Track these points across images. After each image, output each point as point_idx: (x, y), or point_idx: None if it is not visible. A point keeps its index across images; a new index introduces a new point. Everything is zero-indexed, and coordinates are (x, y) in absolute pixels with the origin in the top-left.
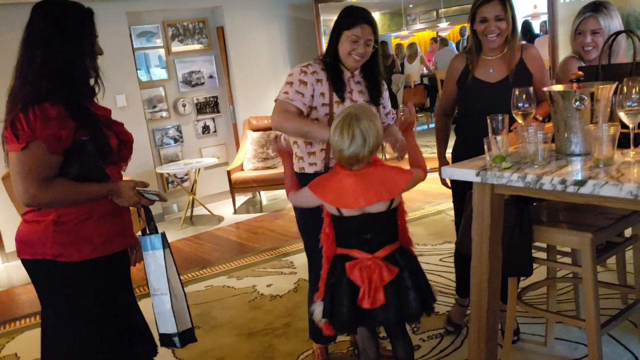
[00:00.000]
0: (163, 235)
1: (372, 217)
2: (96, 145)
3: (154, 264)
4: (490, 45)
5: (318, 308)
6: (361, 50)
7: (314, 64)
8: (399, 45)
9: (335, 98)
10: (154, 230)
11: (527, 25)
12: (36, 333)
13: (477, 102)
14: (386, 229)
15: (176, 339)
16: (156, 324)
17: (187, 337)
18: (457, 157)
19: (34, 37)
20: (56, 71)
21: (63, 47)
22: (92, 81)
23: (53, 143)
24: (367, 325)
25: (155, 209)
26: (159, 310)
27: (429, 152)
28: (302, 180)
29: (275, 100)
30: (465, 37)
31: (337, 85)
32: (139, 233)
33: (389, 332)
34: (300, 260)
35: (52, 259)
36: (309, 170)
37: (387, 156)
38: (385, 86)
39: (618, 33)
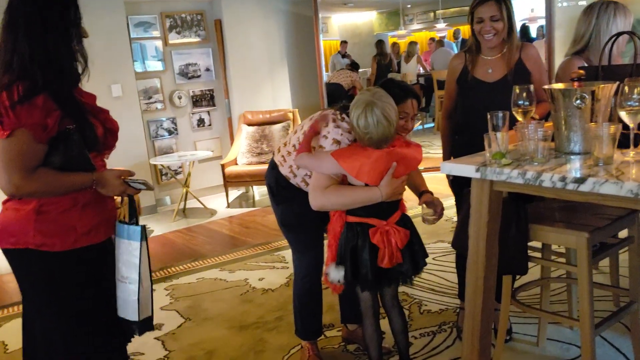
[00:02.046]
0: (143, 229)
1: None
2: (82, 134)
3: (127, 254)
4: (487, 45)
5: (334, 271)
6: (409, 126)
7: (343, 126)
8: (395, 45)
9: None
10: (135, 222)
11: (524, 29)
12: None
13: (476, 101)
14: (397, 198)
15: (135, 327)
16: (117, 306)
17: (145, 325)
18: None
19: (17, 22)
20: (41, 57)
21: (48, 32)
22: (79, 66)
23: (39, 131)
24: (387, 282)
25: (148, 200)
26: (123, 296)
27: (423, 152)
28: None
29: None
30: (459, 40)
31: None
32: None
33: (386, 305)
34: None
35: (35, 249)
36: (301, 171)
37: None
38: None
39: (619, 34)
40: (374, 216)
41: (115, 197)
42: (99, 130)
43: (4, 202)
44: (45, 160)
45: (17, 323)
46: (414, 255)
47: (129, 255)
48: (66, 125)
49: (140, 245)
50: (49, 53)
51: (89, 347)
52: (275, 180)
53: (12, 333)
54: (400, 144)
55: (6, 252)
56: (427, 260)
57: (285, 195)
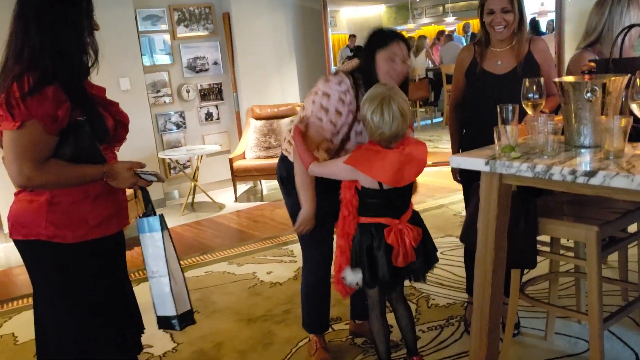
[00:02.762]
0: (161, 217)
1: (404, 188)
2: (93, 126)
3: (152, 246)
4: (498, 37)
5: (350, 274)
6: (400, 69)
7: (346, 81)
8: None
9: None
10: (152, 212)
11: (534, 23)
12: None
13: (485, 94)
14: (408, 196)
15: (175, 322)
16: (154, 306)
17: (185, 319)
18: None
19: (28, 13)
20: (52, 48)
21: (58, 23)
22: (89, 59)
23: (49, 123)
24: (401, 280)
25: (157, 194)
26: (157, 293)
27: (431, 147)
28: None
29: (302, 119)
30: (469, 33)
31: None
32: (137, 217)
33: (391, 300)
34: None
35: (46, 240)
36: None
37: None
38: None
39: (631, 27)
40: (387, 215)
41: (127, 190)
42: (109, 123)
43: (17, 194)
44: (56, 152)
45: (27, 315)
46: (427, 252)
47: (154, 248)
48: (76, 117)
49: (162, 235)
50: (60, 44)
51: (101, 339)
52: (286, 170)
53: (21, 325)
54: (409, 141)
55: (18, 244)
56: (436, 255)
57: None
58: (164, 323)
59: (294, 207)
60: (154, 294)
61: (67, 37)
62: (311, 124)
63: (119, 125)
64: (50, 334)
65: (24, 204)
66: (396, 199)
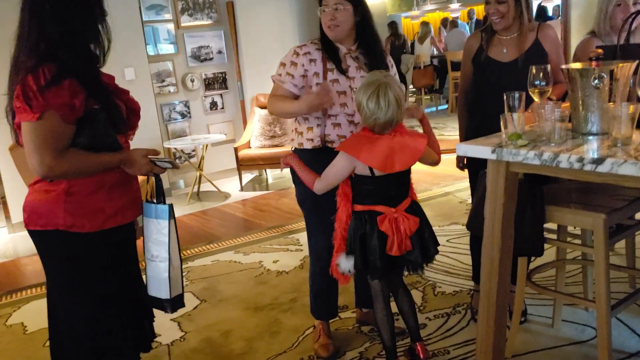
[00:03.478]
0: (170, 207)
1: (398, 176)
2: (108, 114)
3: (156, 232)
4: (495, 27)
5: (344, 262)
6: (329, 17)
7: (309, 45)
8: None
9: (331, 77)
10: (162, 201)
11: (541, 9)
12: (42, 303)
13: (490, 81)
14: (406, 185)
15: (167, 304)
16: (147, 285)
17: (177, 302)
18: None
19: (42, 5)
20: (68, 39)
21: (74, 13)
22: (103, 46)
23: (66, 112)
24: (396, 269)
25: (163, 184)
26: (153, 275)
27: (437, 134)
28: (301, 155)
29: (273, 80)
30: (474, 20)
31: (335, 62)
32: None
33: (392, 288)
34: (306, 238)
35: (64, 230)
36: (307, 145)
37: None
38: (392, 62)
39: (638, 12)
40: (382, 203)
41: (139, 179)
42: (122, 111)
43: (32, 185)
44: (73, 141)
45: (36, 305)
46: (424, 243)
47: (158, 234)
48: (92, 106)
49: (169, 224)
50: (76, 34)
51: (114, 327)
52: None
53: (31, 314)
54: (403, 130)
55: (34, 234)
56: (440, 243)
57: None
58: (155, 303)
59: (300, 195)
60: (150, 275)
61: (83, 26)
62: (274, 82)
63: (131, 114)
64: (62, 324)
65: (41, 195)
66: (390, 186)
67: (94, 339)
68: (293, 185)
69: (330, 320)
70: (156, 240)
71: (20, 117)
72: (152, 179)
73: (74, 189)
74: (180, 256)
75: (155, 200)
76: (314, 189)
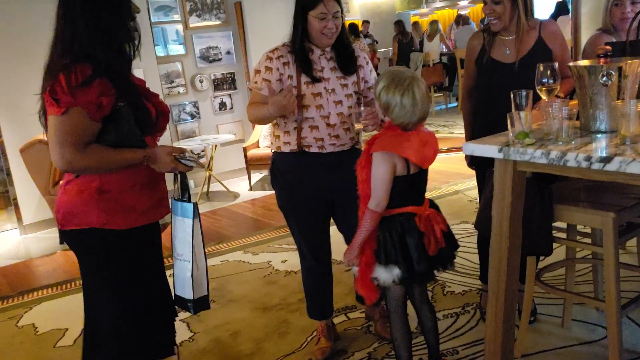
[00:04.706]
0: (195, 205)
1: (425, 172)
2: (135, 114)
3: (181, 231)
4: (492, 28)
5: (384, 273)
6: (331, 26)
7: (281, 48)
8: (416, 24)
9: (305, 79)
10: (188, 199)
11: (562, 3)
12: (54, 304)
13: (494, 82)
14: (426, 182)
15: (190, 305)
16: (174, 284)
17: (201, 304)
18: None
19: (73, 8)
20: (101, 40)
21: (105, 13)
22: (134, 44)
23: (93, 110)
24: (434, 268)
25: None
26: (179, 273)
27: (446, 132)
28: (279, 159)
29: (249, 88)
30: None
31: (305, 66)
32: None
33: (415, 301)
34: None
35: (99, 227)
36: (285, 149)
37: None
38: (364, 55)
39: None
40: (413, 203)
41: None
42: (152, 113)
43: (64, 185)
44: (99, 139)
45: (47, 306)
46: (451, 236)
47: (183, 233)
48: (119, 105)
49: (193, 223)
50: (106, 33)
51: (141, 323)
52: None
53: (42, 315)
54: (420, 126)
55: (69, 234)
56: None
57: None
58: (179, 302)
59: (279, 200)
60: (176, 274)
61: (111, 26)
62: (252, 89)
63: (161, 116)
64: (104, 322)
65: (73, 195)
66: (420, 184)
67: (134, 333)
68: None
69: (337, 322)
70: (181, 238)
71: (47, 111)
72: (179, 177)
73: (105, 187)
74: (206, 257)
75: (181, 197)
76: (373, 209)
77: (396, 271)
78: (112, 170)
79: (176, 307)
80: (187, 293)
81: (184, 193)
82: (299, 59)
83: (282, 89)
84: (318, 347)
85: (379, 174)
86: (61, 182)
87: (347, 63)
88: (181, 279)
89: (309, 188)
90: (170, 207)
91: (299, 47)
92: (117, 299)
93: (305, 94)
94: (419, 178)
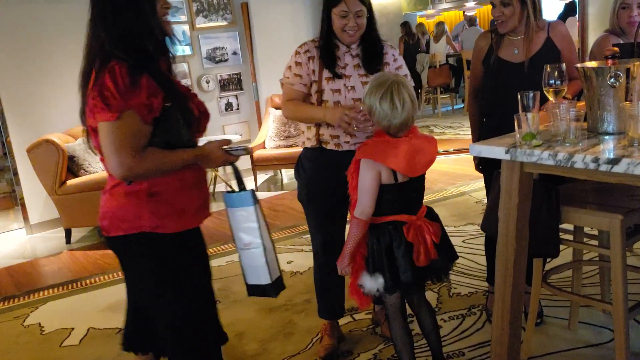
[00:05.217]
0: (252, 192)
1: (418, 180)
2: (182, 114)
3: (244, 220)
4: (500, 30)
5: (369, 281)
6: (352, 24)
7: (309, 43)
8: (420, 24)
9: (326, 74)
10: (244, 187)
11: (571, 4)
12: (59, 304)
13: (502, 83)
14: (422, 190)
15: (270, 289)
16: (244, 276)
17: (278, 285)
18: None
19: (103, 10)
20: (139, 39)
21: (134, 11)
22: (172, 39)
23: (145, 112)
24: (423, 280)
25: None
26: (249, 263)
27: (452, 134)
28: (303, 154)
29: (281, 83)
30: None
31: (328, 62)
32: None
33: (413, 305)
34: None
35: (149, 232)
36: (307, 144)
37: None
38: (396, 53)
39: None
40: (404, 212)
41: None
42: (195, 112)
43: (109, 190)
44: (149, 141)
45: (53, 305)
46: (448, 247)
47: (246, 222)
48: (166, 105)
49: (255, 209)
50: (146, 29)
51: (203, 325)
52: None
53: (48, 315)
54: (416, 132)
55: (117, 240)
56: (456, 243)
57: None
58: (255, 290)
59: (301, 192)
60: (246, 265)
61: (151, 21)
62: (284, 85)
63: (203, 116)
64: (163, 324)
65: (120, 199)
66: (411, 193)
67: (193, 331)
68: None
69: (343, 323)
70: (246, 228)
71: (98, 117)
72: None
73: (155, 189)
74: (271, 238)
75: (238, 188)
76: (358, 217)
77: (380, 280)
78: (168, 172)
79: (252, 295)
80: (263, 279)
81: (240, 182)
82: (323, 54)
83: (352, 106)
84: (321, 345)
85: (363, 182)
86: (106, 187)
87: (372, 61)
88: (253, 268)
89: (324, 184)
90: (225, 202)
91: (325, 42)
92: (175, 302)
93: (324, 89)
94: (409, 186)
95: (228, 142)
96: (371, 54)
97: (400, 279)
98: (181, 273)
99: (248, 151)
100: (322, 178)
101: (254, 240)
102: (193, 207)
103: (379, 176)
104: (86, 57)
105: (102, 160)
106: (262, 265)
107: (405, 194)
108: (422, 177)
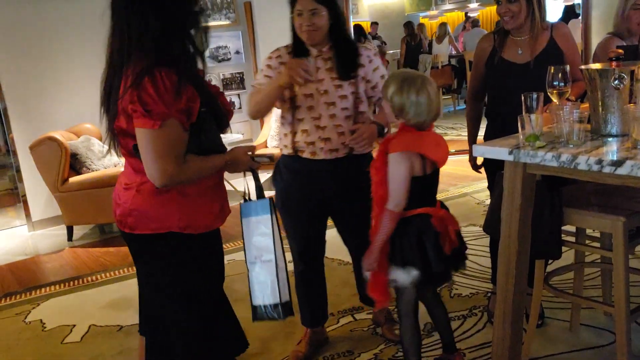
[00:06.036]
0: (270, 201)
1: (437, 173)
2: (215, 117)
3: (257, 232)
4: (506, 27)
5: (403, 274)
6: (307, 23)
7: (281, 49)
8: (421, 25)
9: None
10: (262, 195)
11: (570, 7)
12: (61, 300)
13: (506, 83)
14: (438, 183)
15: (277, 309)
16: (250, 296)
17: (286, 309)
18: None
19: (144, 7)
20: (179, 36)
21: (180, 10)
22: (205, 42)
23: (184, 119)
24: (449, 268)
25: None
26: (259, 279)
27: (454, 135)
28: (281, 160)
29: (252, 86)
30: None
31: None
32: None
33: (428, 301)
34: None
35: (178, 232)
36: (285, 151)
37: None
38: (371, 54)
39: None
40: (427, 204)
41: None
42: (224, 112)
43: (138, 186)
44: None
45: (55, 302)
46: (461, 237)
47: (261, 230)
48: (202, 110)
49: (271, 218)
50: (185, 32)
51: (222, 327)
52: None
53: (49, 312)
54: (431, 128)
55: (141, 239)
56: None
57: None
58: (261, 314)
59: (277, 200)
60: (255, 281)
61: (189, 23)
62: (253, 87)
63: (226, 116)
64: (175, 328)
65: (150, 197)
66: (434, 185)
67: (204, 337)
68: None
69: (343, 323)
70: (260, 238)
71: (137, 123)
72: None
73: (186, 190)
74: (285, 258)
75: (257, 196)
76: (392, 209)
77: (414, 272)
78: (203, 178)
79: (256, 320)
80: (271, 298)
81: (260, 190)
82: (294, 58)
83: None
84: (293, 351)
85: (398, 175)
86: (131, 183)
87: (346, 63)
88: (262, 285)
89: (300, 193)
90: (241, 211)
91: (295, 47)
92: (192, 304)
93: (297, 95)
94: (432, 179)
95: (254, 148)
96: (344, 58)
97: (432, 270)
98: (196, 277)
99: (272, 159)
100: (297, 187)
101: (267, 251)
102: (217, 209)
103: (411, 169)
104: (123, 51)
105: (126, 157)
106: (272, 282)
107: (430, 185)
108: (438, 170)
